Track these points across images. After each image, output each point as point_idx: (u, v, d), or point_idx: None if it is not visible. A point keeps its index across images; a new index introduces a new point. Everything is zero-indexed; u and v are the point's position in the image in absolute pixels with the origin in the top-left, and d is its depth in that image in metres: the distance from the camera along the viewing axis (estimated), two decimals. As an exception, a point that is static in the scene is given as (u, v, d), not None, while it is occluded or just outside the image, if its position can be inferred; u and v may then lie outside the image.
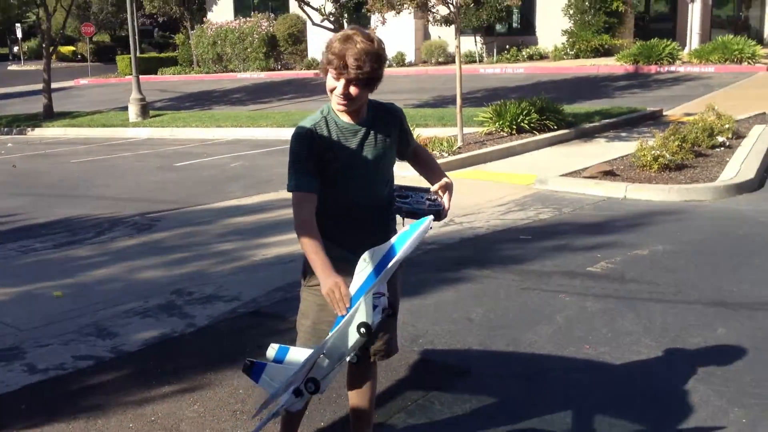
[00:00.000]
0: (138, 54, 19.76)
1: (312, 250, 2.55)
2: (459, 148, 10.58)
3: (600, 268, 5.59)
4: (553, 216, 7.25)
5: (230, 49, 29.16)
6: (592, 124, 12.16)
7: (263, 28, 28.64)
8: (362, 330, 2.48)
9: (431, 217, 2.54)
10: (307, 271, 2.77)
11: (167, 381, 3.93)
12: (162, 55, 36.46)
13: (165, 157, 12.73)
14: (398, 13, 12.08)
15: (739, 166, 8.44)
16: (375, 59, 2.58)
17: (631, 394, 3.67)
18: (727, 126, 10.20)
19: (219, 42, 29.36)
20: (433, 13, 11.91)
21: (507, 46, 25.29)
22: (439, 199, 2.80)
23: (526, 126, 11.42)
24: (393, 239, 2.54)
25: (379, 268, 2.48)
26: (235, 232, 7.17)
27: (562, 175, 8.69)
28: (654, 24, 26.29)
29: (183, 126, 16.36)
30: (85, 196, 9.53)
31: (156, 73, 30.46)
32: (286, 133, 14.31)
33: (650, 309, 4.71)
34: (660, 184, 7.96)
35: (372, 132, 2.73)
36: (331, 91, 2.63)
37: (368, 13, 13.10)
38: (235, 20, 30.04)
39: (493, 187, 8.69)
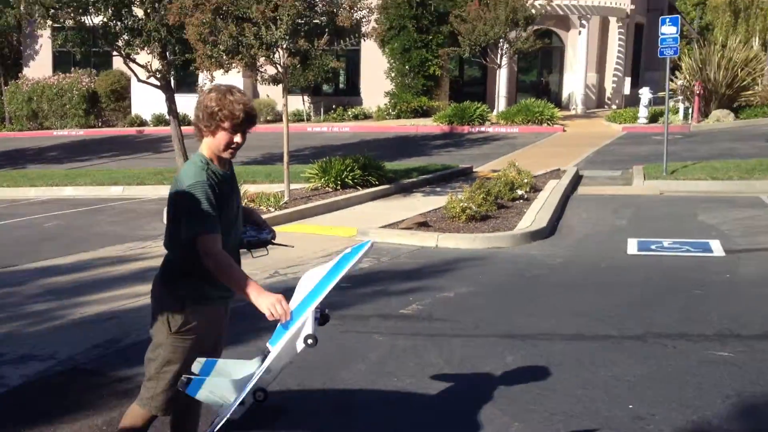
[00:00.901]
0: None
1: (240, 276, 2.87)
2: (286, 203, 10.93)
3: (411, 310, 6.08)
4: (372, 265, 7.73)
5: (47, 105, 27.89)
6: (410, 180, 13.00)
7: (84, 84, 27.73)
8: (309, 341, 2.78)
9: (371, 241, 3.00)
10: (172, 319, 2.98)
11: (-23, 442, 3.84)
12: (-31, 111, 33.98)
13: (-28, 218, 11.97)
14: (227, 71, 12.38)
15: (534, 216, 9.45)
16: None
17: (430, 417, 4.11)
18: (526, 181, 11.35)
19: (35, 98, 28.00)
20: (261, 72, 12.32)
21: (334, 106, 26.27)
22: (268, 228, 3.37)
23: (350, 182, 12.01)
24: (335, 260, 2.90)
25: (320, 286, 2.83)
26: (51, 292, 6.98)
27: (382, 227, 9.27)
28: (467, 87, 28.46)
29: (-7, 185, 15.40)
30: None
31: (-38, 130, 28.38)
32: (107, 192, 14.00)
33: (452, 344, 5.24)
34: (467, 233, 8.74)
35: (234, 179, 3.11)
36: (229, 144, 2.93)
37: (196, 71, 13.27)
38: (54, 76, 28.83)
39: (317, 239, 9.08)
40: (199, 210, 2.83)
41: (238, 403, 2.81)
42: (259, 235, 3.30)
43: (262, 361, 2.85)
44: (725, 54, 21.71)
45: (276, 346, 2.82)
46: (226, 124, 2.88)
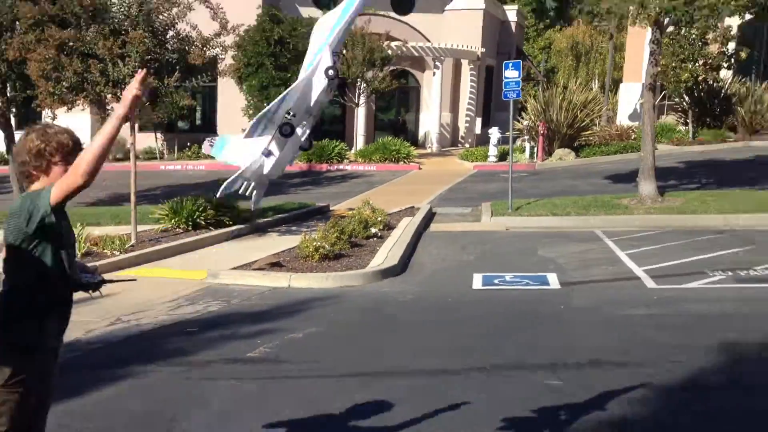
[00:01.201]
0: None
1: (106, 126, 2.70)
2: (132, 246, 10.49)
3: (259, 352, 6.01)
4: (222, 308, 7.59)
5: None
6: (266, 219, 12.92)
7: None
8: (330, 72, 2.74)
9: None
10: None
11: None
12: None
13: None
14: (70, 109, 11.86)
15: (387, 254, 9.65)
16: None
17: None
18: (380, 219, 11.58)
19: None
20: (108, 110, 11.93)
21: (189, 143, 25.65)
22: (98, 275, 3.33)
23: (203, 222, 11.75)
24: (342, 4, 2.93)
25: (333, 28, 2.79)
26: None
27: (233, 269, 9.12)
28: (326, 126, 28.70)
29: None
30: None
31: None
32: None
33: (300, 384, 5.23)
34: (320, 273, 8.77)
35: (67, 216, 2.97)
36: None
37: (38, 109, 12.64)
38: None
39: (165, 283, 8.77)
40: (40, 194, 2.77)
41: (260, 154, 2.83)
42: (95, 276, 3.31)
43: None
44: (566, 96, 23.34)
45: (295, 83, 2.86)
46: (57, 158, 2.86)
